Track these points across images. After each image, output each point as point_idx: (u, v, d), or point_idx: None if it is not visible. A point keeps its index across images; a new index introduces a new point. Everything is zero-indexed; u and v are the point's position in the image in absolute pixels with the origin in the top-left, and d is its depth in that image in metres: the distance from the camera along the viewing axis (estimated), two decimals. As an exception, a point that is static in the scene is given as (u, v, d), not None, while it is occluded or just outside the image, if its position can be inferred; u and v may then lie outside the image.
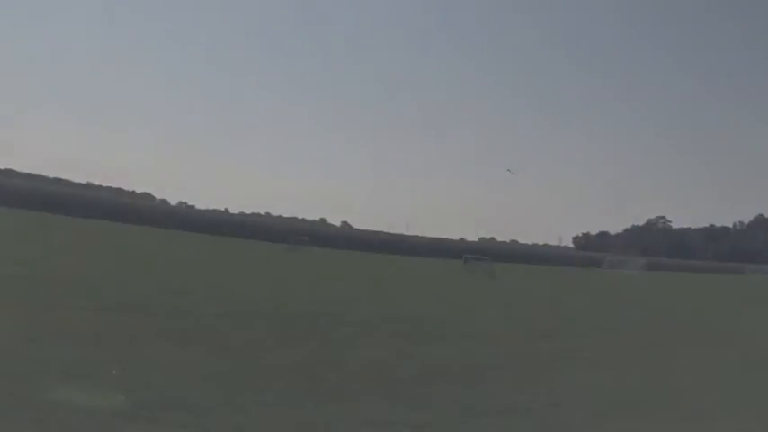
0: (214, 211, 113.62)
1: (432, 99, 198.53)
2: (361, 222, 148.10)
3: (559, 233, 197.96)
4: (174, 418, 6.97)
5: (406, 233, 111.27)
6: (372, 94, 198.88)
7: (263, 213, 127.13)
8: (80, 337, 10.71)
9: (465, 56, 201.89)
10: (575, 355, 14.27)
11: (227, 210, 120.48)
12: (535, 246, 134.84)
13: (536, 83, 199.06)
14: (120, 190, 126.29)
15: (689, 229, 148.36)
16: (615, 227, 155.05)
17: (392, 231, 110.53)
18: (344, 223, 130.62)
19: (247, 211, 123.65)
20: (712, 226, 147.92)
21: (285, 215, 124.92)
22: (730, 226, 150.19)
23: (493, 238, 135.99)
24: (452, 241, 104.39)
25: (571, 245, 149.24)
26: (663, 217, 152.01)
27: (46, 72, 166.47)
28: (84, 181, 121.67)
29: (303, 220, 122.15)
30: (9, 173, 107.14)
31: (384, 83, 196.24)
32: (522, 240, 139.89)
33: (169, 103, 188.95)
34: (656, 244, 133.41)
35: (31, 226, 44.77)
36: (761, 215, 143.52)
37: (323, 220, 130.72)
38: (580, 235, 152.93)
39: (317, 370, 10.57)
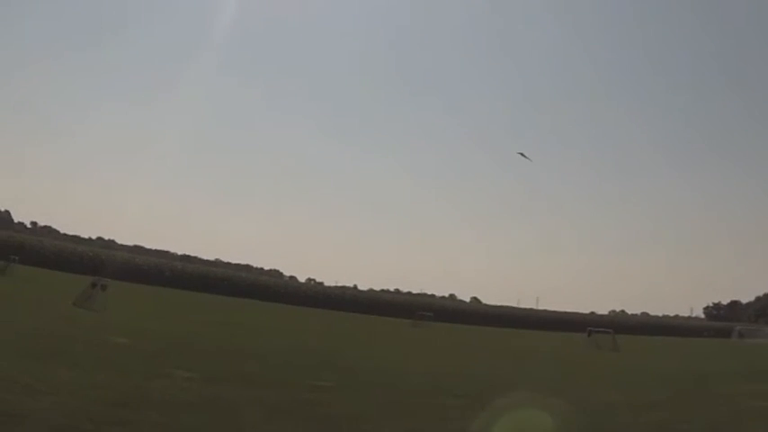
0: (343, 287, 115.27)
1: (556, 178, 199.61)
2: (492, 298, 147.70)
3: (690, 304, 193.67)
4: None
5: (535, 308, 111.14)
6: (501, 173, 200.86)
7: (392, 290, 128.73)
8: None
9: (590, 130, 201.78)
10: (677, 427, 14.05)
11: (355, 286, 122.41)
12: (665, 317, 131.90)
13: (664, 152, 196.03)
14: (248, 266, 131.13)
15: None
16: (747, 295, 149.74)
17: (521, 306, 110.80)
18: (474, 299, 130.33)
19: (376, 288, 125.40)
20: None
21: (414, 291, 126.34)
22: None
23: (623, 311, 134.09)
24: (581, 315, 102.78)
25: (702, 315, 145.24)
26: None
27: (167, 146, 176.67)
28: (212, 258, 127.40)
29: (432, 296, 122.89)
30: (137, 249, 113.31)
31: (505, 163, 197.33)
32: (652, 312, 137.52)
33: (297, 181, 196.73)
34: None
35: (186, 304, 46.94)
36: None
37: (452, 296, 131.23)
38: (711, 305, 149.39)
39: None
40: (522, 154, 41.37)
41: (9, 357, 13.20)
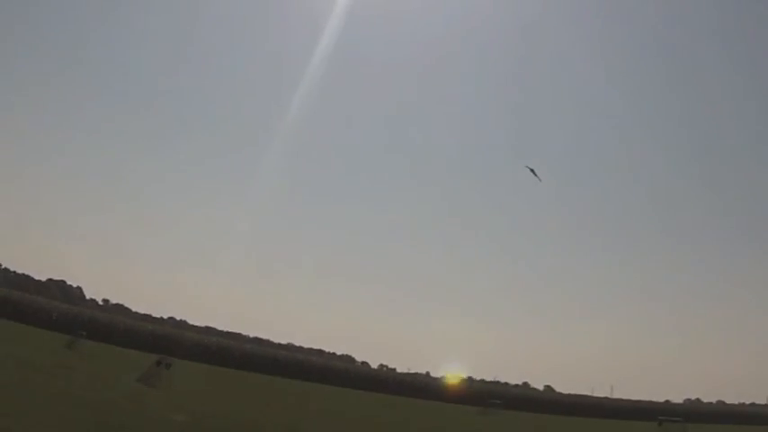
0: (415, 374, 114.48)
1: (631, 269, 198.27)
2: (565, 386, 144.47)
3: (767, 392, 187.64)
4: None
5: (609, 396, 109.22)
6: (577, 261, 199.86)
7: (464, 377, 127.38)
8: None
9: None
10: None
11: (428, 373, 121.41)
12: (741, 405, 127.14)
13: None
14: (320, 351, 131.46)
15: None
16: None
17: (595, 395, 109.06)
18: (547, 387, 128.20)
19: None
20: None
21: (487, 379, 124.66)
22: None
23: (698, 399, 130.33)
24: (655, 403, 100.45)
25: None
26: None
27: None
28: (284, 341, 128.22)
29: (506, 384, 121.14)
30: (208, 330, 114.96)
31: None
32: (728, 401, 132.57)
33: (371, 266, 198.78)
34: None
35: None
36: None
37: (526, 384, 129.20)
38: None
39: None
40: (531, 170, 38.81)
41: (67, 431, 13.66)
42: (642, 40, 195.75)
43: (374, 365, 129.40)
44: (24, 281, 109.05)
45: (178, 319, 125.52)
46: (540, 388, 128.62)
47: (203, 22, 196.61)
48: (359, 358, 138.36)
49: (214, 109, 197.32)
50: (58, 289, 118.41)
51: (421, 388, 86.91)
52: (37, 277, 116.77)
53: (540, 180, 39.35)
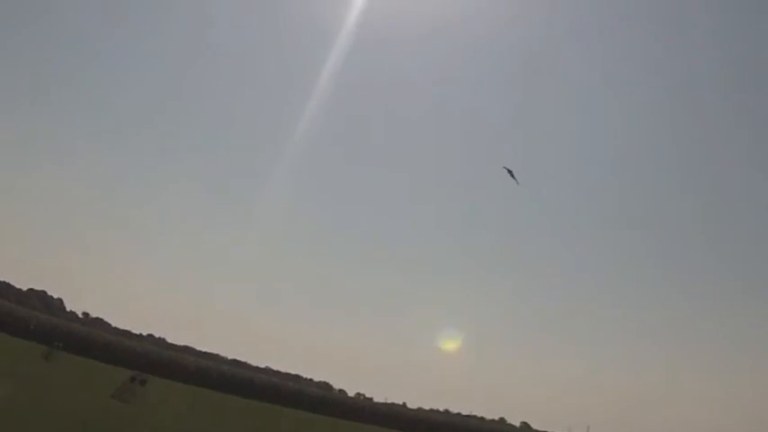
0: (392, 404, 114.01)
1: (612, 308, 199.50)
2: (542, 424, 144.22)
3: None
4: None
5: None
6: (558, 299, 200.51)
7: (441, 410, 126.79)
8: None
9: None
10: None
11: (404, 404, 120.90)
12: None
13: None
14: (297, 376, 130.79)
15: None
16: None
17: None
18: (524, 423, 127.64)
19: (426, 407, 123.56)
20: None
21: (464, 413, 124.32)
22: None
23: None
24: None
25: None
26: None
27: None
28: (262, 365, 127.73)
29: (482, 419, 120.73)
30: (187, 349, 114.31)
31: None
32: None
33: (355, 293, 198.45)
34: None
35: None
36: None
37: (502, 420, 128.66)
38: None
39: None
40: (509, 171, 36.09)
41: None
42: (644, 50, 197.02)
43: (351, 393, 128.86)
44: (5, 289, 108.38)
45: (157, 336, 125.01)
46: (517, 424, 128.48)
47: (212, 39, 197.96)
48: (336, 385, 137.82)
49: (219, 123, 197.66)
50: (39, 299, 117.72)
51: (397, 418, 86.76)
52: (18, 286, 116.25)
53: (517, 183, 37.60)
